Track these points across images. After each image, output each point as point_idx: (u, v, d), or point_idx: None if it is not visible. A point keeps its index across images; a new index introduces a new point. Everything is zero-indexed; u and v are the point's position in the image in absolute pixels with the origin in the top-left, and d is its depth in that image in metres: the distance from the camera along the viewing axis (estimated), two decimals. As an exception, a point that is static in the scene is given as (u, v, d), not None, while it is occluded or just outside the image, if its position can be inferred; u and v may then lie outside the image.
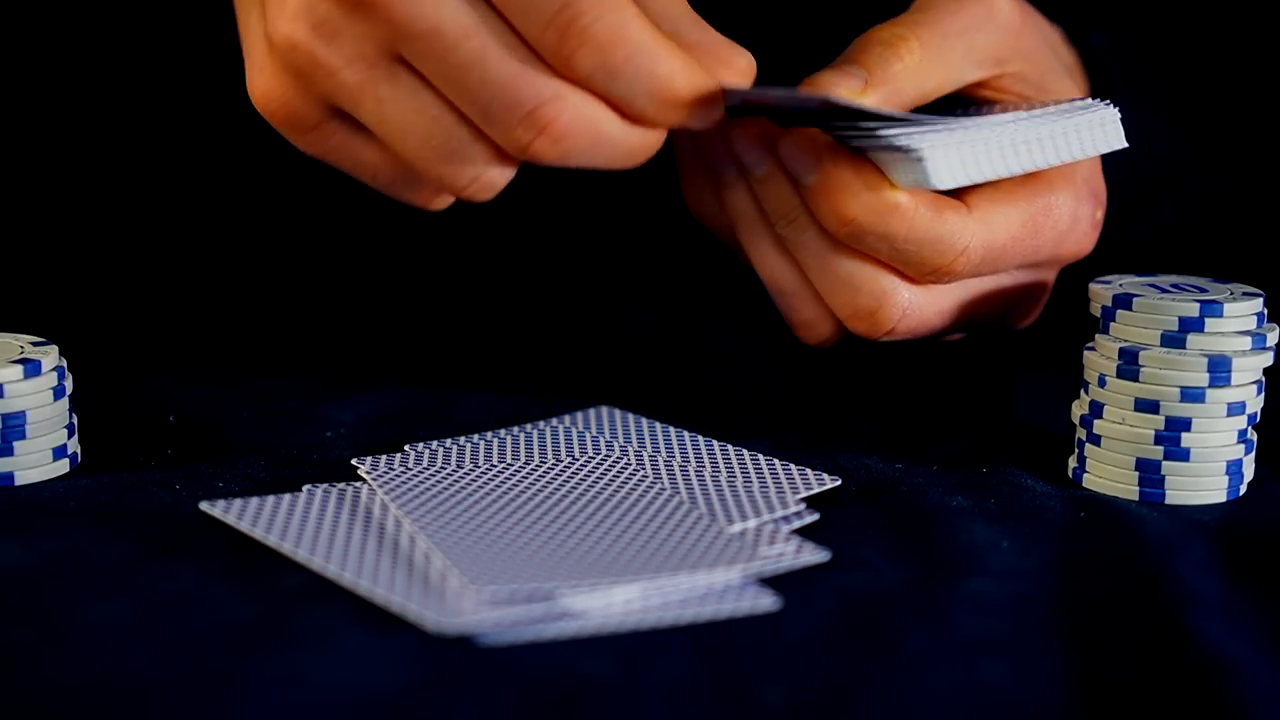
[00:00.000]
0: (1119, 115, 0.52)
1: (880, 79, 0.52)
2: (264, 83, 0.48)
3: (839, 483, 0.51)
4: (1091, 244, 0.56)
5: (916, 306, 0.54)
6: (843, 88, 0.52)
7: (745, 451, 0.54)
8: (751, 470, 0.52)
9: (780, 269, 0.55)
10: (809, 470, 0.52)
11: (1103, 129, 0.52)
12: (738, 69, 0.49)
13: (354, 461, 0.51)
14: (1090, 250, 0.56)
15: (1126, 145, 0.52)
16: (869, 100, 0.52)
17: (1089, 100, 0.52)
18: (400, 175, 0.49)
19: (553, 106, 0.46)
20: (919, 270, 0.52)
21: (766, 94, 0.49)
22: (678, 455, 0.53)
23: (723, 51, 0.49)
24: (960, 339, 0.60)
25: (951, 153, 0.50)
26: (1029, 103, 0.54)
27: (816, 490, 0.50)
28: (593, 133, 0.47)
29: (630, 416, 0.57)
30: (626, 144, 0.48)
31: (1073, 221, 0.54)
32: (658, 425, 0.56)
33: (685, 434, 0.55)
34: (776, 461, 0.53)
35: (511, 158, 0.48)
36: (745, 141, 0.53)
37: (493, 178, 0.48)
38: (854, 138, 0.51)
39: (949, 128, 0.49)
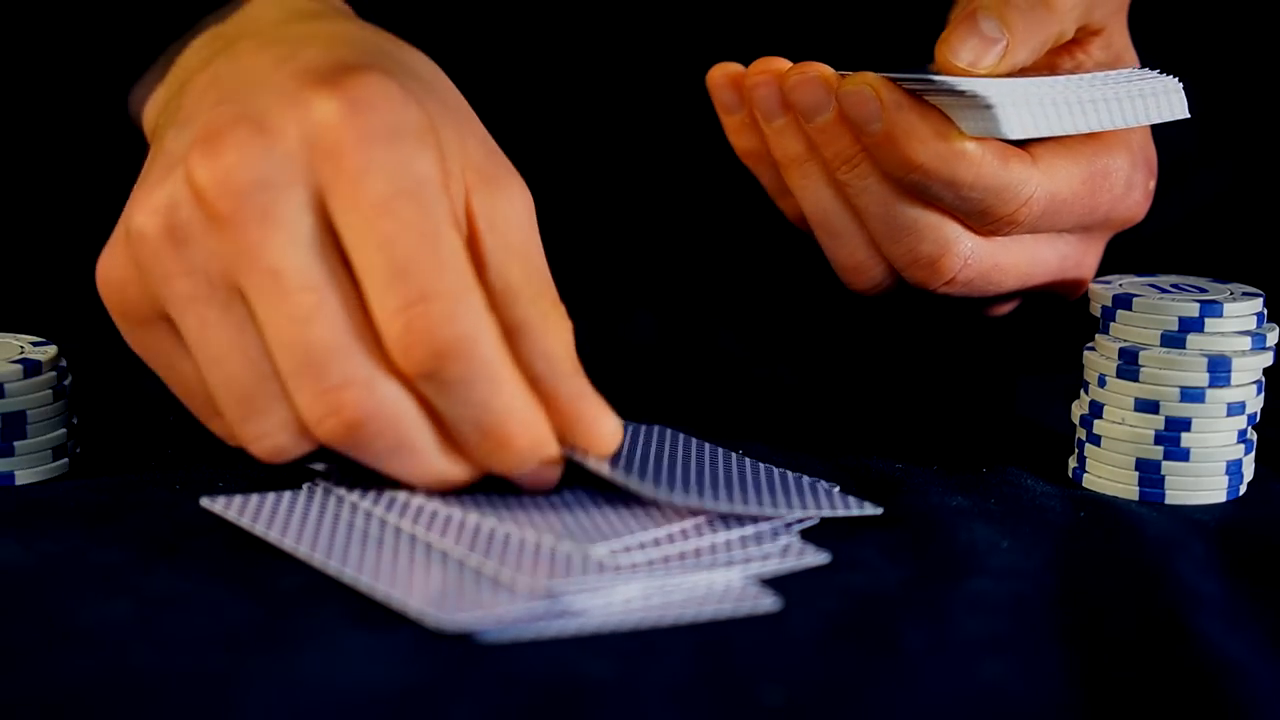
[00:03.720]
0: (1181, 85, 0.52)
1: (1023, 38, 0.51)
2: (108, 264, 0.46)
3: (837, 484, 0.51)
4: (1143, 212, 0.56)
5: (977, 257, 0.53)
6: (982, 62, 0.51)
7: (748, 460, 0.53)
8: (750, 479, 0.52)
9: (834, 211, 0.54)
10: (820, 482, 0.51)
11: (1166, 97, 0.52)
12: (599, 439, 0.46)
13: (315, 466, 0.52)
14: (1141, 218, 0.56)
15: (1188, 115, 0.53)
16: (1005, 65, 0.51)
17: (1150, 70, 0.53)
18: (206, 403, 0.47)
19: (359, 391, 0.43)
20: (982, 220, 0.52)
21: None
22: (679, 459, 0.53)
23: (589, 413, 0.46)
24: (1008, 311, 0.59)
25: (1021, 102, 0.50)
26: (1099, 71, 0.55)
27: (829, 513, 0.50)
28: (398, 438, 0.44)
29: (627, 425, 0.57)
30: (435, 467, 0.45)
31: (1128, 187, 0.55)
32: (654, 429, 0.56)
33: (694, 441, 0.55)
34: (790, 475, 0.52)
35: (308, 435, 0.45)
36: (805, 88, 0.52)
37: (282, 443, 0.45)
38: (918, 84, 0.51)
39: (1019, 80, 0.50)
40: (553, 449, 0.45)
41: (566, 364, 0.46)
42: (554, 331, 0.45)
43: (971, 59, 0.51)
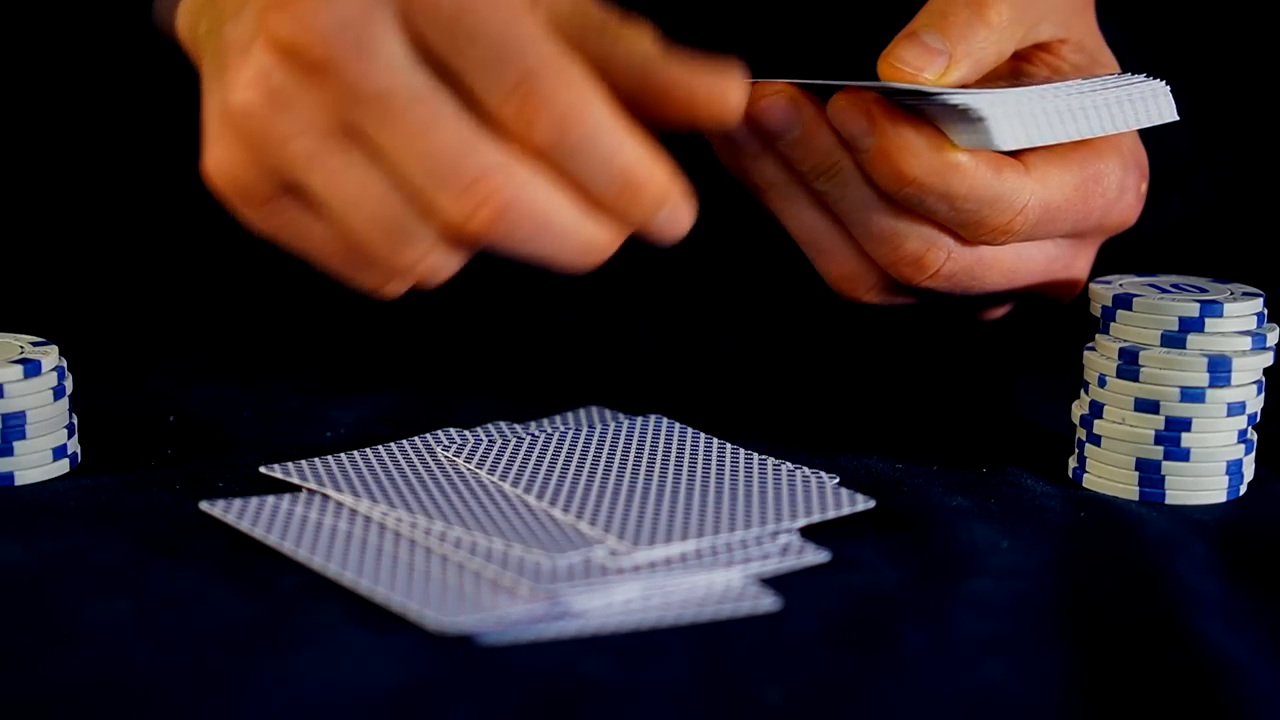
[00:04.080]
0: (1169, 88, 0.53)
1: (964, 52, 0.52)
2: (217, 155, 0.47)
3: (836, 476, 0.51)
4: (1135, 215, 0.56)
5: (960, 251, 0.53)
6: (926, 69, 0.51)
7: (742, 451, 0.54)
8: (756, 474, 0.52)
9: (818, 226, 0.55)
10: (809, 471, 0.52)
11: (1155, 100, 0.53)
12: (723, 110, 0.46)
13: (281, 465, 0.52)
14: (1134, 222, 0.56)
15: (1177, 119, 0.53)
16: (952, 76, 0.52)
17: (1136, 75, 0.53)
18: (350, 255, 0.47)
19: (497, 178, 0.44)
20: (976, 231, 0.52)
21: (815, 84, 0.49)
22: (674, 451, 0.53)
23: (701, 89, 0.46)
24: (999, 315, 0.59)
25: (1013, 113, 0.50)
26: (1080, 75, 0.55)
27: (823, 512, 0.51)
28: (541, 215, 0.44)
29: (622, 416, 0.57)
30: (580, 235, 0.45)
31: (1120, 191, 0.55)
32: (651, 419, 0.56)
33: (688, 429, 0.55)
34: (783, 466, 0.52)
35: (459, 240, 0.45)
36: (771, 112, 0.52)
37: (438, 261, 0.46)
38: (908, 99, 0.51)
39: (1009, 90, 0.50)
40: (680, 188, 0.46)
41: (658, 59, 0.46)
42: (630, 44, 0.46)
43: (916, 64, 0.52)
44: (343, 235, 0.46)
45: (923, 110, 0.51)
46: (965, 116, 0.50)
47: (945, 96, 0.49)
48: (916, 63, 0.52)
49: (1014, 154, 0.52)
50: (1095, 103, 0.51)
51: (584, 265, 0.46)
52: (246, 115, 0.45)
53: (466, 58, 0.44)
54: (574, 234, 0.45)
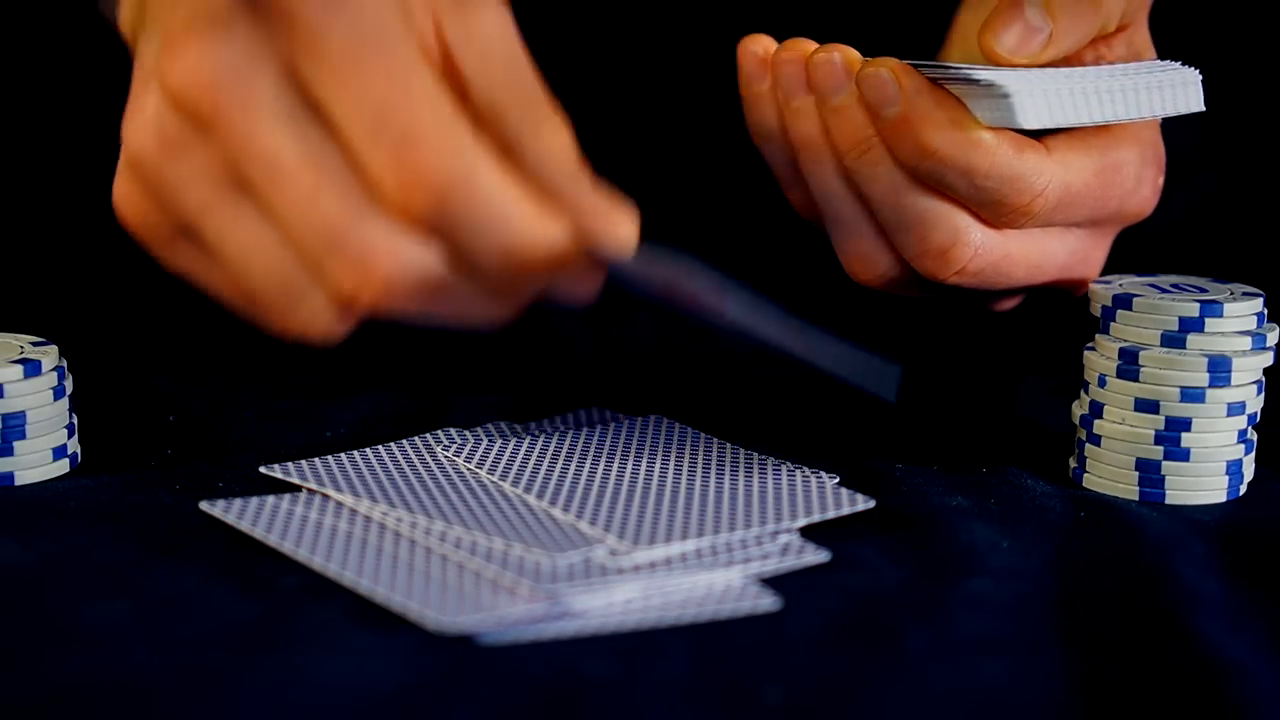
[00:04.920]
0: (1200, 77, 0.52)
1: (1066, 29, 0.52)
2: (121, 190, 0.46)
3: (837, 476, 0.51)
4: (1152, 207, 0.56)
5: (988, 248, 0.53)
6: (1024, 50, 0.51)
7: (742, 451, 0.54)
8: (756, 474, 0.52)
9: (843, 200, 0.54)
10: (809, 471, 0.52)
11: (1184, 89, 0.52)
12: (615, 237, 0.45)
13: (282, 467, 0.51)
14: (1149, 213, 0.56)
15: (1204, 109, 0.53)
16: (1046, 56, 0.52)
17: (1169, 62, 0.53)
18: (250, 303, 0.45)
19: (381, 254, 0.42)
20: (996, 211, 0.52)
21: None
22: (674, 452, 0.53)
23: (598, 214, 0.45)
24: (1011, 306, 0.59)
25: (1038, 92, 0.50)
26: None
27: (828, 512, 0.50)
28: (433, 289, 0.43)
29: (622, 416, 0.57)
30: (475, 306, 0.44)
31: (1138, 181, 0.55)
32: (651, 419, 0.56)
33: (688, 429, 0.55)
34: (783, 466, 0.53)
35: (350, 309, 0.44)
36: (826, 68, 0.52)
37: (329, 324, 0.44)
38: (935, 72, 0.51)
39: (1035, 70, 0.50)
40: (578, 258, 0.45)
41: (566, 170, 0.44)
42: (548, 141, 0.44)
43: (1013, 46, 0.52)
44: (238, 285, 0.45)
45: (948, 85, 0.51)
46: (991, 92, 0.50)
47: (971, 72, 0.49)
48: (1013, 43, 0.52)
49: (1036, 137, 0.52)
50: (1124, 87, 0.51)
51: (487, 328, 0.45)
52: (140, 160, 0.44)
53: (350, 119, 0.42)
54: (469, 305, 0.44)
